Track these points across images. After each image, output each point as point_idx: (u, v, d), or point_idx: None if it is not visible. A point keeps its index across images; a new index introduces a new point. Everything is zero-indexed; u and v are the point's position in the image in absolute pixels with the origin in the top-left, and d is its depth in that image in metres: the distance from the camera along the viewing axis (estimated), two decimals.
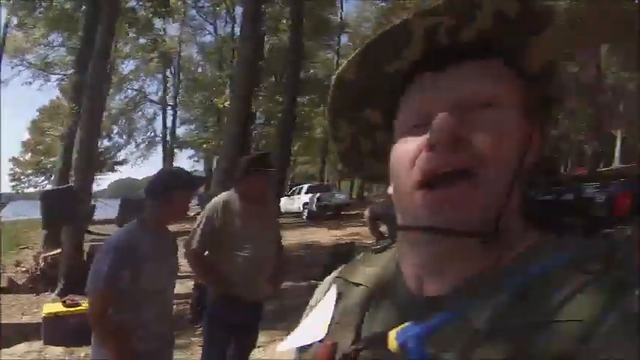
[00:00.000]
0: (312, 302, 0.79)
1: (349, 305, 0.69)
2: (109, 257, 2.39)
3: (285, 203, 21.41)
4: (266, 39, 21.28)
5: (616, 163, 31.10)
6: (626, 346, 0.48)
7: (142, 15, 19.65)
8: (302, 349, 0.71)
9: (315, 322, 0.71)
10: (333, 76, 0.67)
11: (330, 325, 0.69)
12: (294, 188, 22.83)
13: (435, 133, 0.56)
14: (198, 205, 14.47)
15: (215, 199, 3.41)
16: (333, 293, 0.73)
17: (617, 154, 32.59)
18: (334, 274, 0.78)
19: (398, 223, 0.65)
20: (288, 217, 16.94)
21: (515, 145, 0.59)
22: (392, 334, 0.59)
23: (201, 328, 4.89)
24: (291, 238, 11.59)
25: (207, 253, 3.39)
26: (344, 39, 31.53)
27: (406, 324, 0.58)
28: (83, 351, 5.31)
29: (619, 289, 0.52)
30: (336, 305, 0.71)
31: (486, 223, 0.56)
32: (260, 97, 19.39)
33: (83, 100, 10.28)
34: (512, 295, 0.54)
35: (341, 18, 29.87)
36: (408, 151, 0.60)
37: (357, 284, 0.71)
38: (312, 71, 27.97)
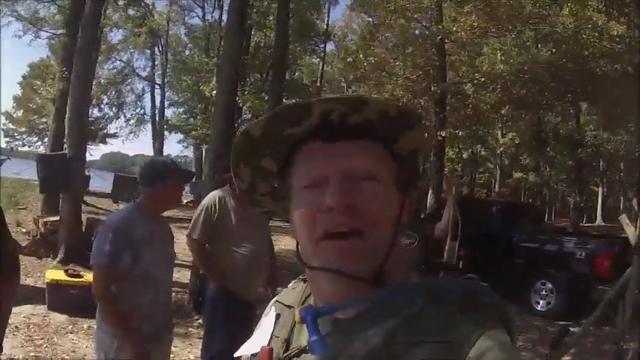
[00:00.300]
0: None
1: (283, 323, 0.82)
2: (110, 236, 2.39)
3: None
4: (252, 32, 20.31)
5: (598, 219, 30.84)
6: None
7: None
8: (253, 356, 0.83)
9: (261, 336, 0.83)
10: (242, 129, 0.76)
11: (271, 339, 0.81)
12: None
13: (332, 200, 0.68)
14: (190, 193, 14.21)
15: (211, 194, 3.43)
16: (272, 314, 0.86)
17: (599, 209, 31.85)
18: (275, 298, 0.91)
19: (307, 264, 0.75)
20: (277, 220, 16.34)
21: (393, 212, 0.73)
22: (296, 312, 0.74)
23: (200, 320, 4.88)
24: (285, 244, 10.92)
25: (207, 245, 3.36)
26: (329, 46, 29.28)
27: (306, 306, 0.76)
28: (86, 322, 5.15)
29: (481, 320, 0.65)
30: (276, 323, 0.84)
31: (374, 269, 0.70)
32: (246, 92, 18.42)
33: (73, 66, 9.71)
34: (384, 315, 0.69)
35: (327, 25, 27.76)
36: (307, 209, 0.72)
37: (289, 306, 0.84)
38: (297, 74, 26.44)
